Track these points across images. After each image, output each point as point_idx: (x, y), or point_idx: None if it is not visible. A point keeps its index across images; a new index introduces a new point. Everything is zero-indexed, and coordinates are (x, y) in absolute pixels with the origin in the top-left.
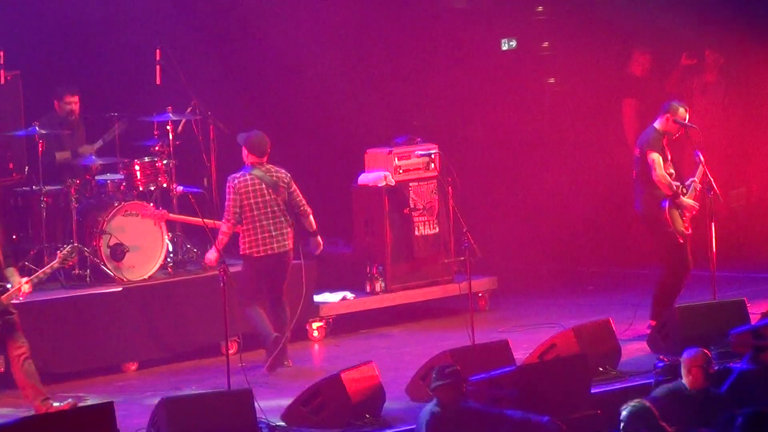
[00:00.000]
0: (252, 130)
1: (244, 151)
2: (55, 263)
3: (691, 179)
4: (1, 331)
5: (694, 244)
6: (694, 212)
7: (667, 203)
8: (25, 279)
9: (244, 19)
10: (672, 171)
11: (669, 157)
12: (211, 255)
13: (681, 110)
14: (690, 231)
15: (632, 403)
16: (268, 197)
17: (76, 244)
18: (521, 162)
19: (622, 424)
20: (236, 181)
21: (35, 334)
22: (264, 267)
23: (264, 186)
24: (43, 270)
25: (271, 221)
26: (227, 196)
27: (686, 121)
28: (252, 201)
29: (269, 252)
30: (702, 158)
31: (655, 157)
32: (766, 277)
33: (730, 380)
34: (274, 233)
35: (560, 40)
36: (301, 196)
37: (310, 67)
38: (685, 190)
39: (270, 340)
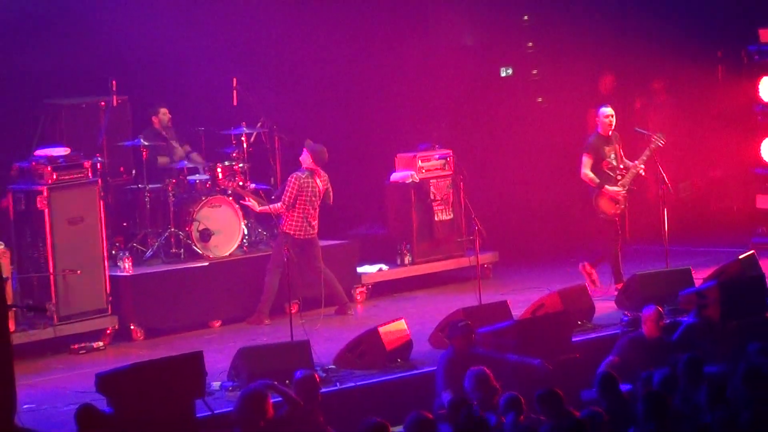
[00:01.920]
0: (317, 143)
1: (308, 157)
2: None
3: (634, 162)
4: None
5: (651, 227)
6: (619, 196)
7: (595, 193)
8: None
9: (301, 50)
10: (616, 164)
11: (613, 155)
12: (259, 207)
13: (603, 109)
14: (616, 213)
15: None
16: (316, 196)
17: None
18: (517, 162)
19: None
20: (301, 180)
21: (144, 299)
22: (298, 246)
23: (317, 187)
24: None
25: (311, 213)
26: (290, 187)
27: (611, 116)
28: (306, 196)
29: (305, 236)
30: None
31: (584, 159)
32: (707, 251)
33: (679, 331)
34: (312, 223)
35: (546, 68)
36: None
37: (353, 91)
38: (620, 177)
39: (265, 306)
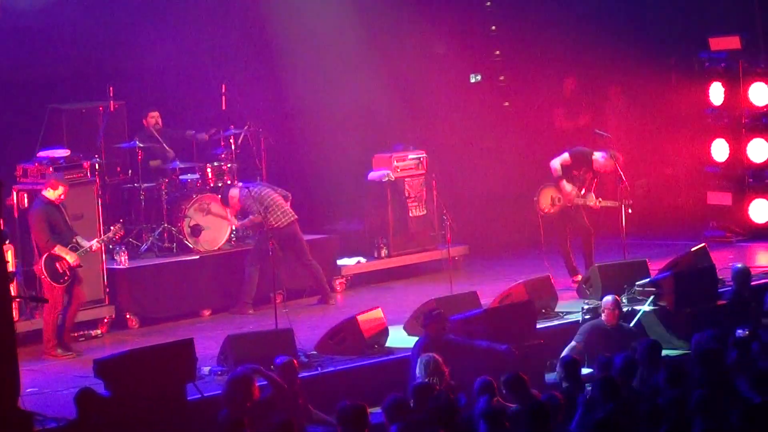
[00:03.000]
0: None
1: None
2: (107, 236)
3: (598, 199)
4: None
5: (610, 221)
6: (569, 197)
7: (542, 186)
8: (95, 240)
9: (284, 57)
10: (581, 182)
11: (581, 176)
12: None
13: (602, 159)
14: (548, 213)
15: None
16: (271, 190)
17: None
18: (486, 162)
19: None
20: (252, 192)
21: (139, 290)
22: (285, 237)
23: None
24: (105, 236)
25: (277, 204)
26: (248, 203)
27: (607, 170)
28: (264, 196)
29: (286, 223)
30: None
31: (564, 155)
32: (662, 244)
33: (636, 318)
34: (284, 209)
35: (513, 74)
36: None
37: (332, 96)
38: (583, 191)
39: (248, 296)
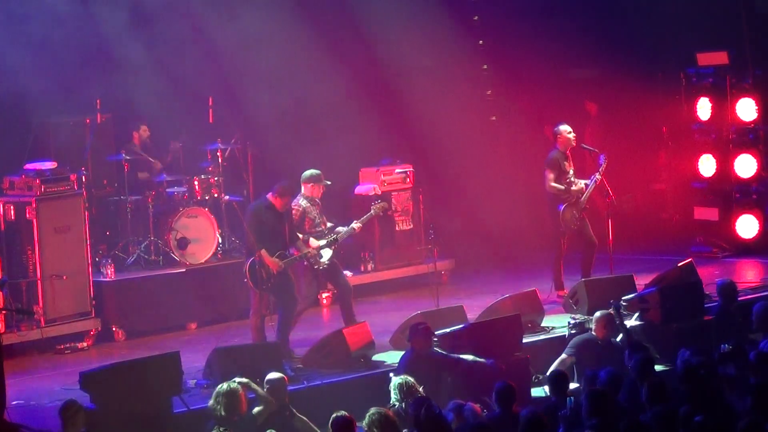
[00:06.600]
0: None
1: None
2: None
3: (592, 176)
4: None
5: (596, 236)
6: (582, 192)
7: (562, 207)
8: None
9: (270, 70)
10: (572, 179)
11: (569, 169)
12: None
13: (563, 126)
14: (576, 226)
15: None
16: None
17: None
18: (473, 175)
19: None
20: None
21: (125, 302)
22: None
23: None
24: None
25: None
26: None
27: (571, 134)
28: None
29: None
30: (601, 169)
31: (547, 173)
32: (649, 259)
33: (623, 333)
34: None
35: (499, 89)
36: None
37: (318, 109)
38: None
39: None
